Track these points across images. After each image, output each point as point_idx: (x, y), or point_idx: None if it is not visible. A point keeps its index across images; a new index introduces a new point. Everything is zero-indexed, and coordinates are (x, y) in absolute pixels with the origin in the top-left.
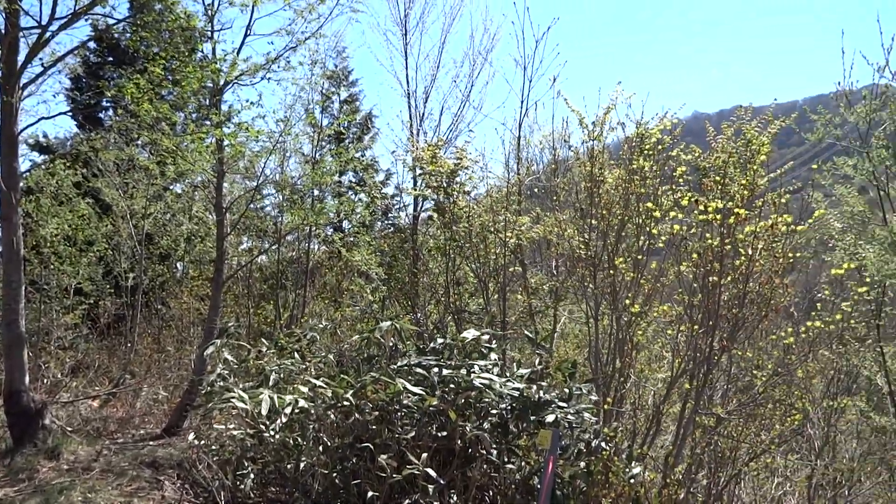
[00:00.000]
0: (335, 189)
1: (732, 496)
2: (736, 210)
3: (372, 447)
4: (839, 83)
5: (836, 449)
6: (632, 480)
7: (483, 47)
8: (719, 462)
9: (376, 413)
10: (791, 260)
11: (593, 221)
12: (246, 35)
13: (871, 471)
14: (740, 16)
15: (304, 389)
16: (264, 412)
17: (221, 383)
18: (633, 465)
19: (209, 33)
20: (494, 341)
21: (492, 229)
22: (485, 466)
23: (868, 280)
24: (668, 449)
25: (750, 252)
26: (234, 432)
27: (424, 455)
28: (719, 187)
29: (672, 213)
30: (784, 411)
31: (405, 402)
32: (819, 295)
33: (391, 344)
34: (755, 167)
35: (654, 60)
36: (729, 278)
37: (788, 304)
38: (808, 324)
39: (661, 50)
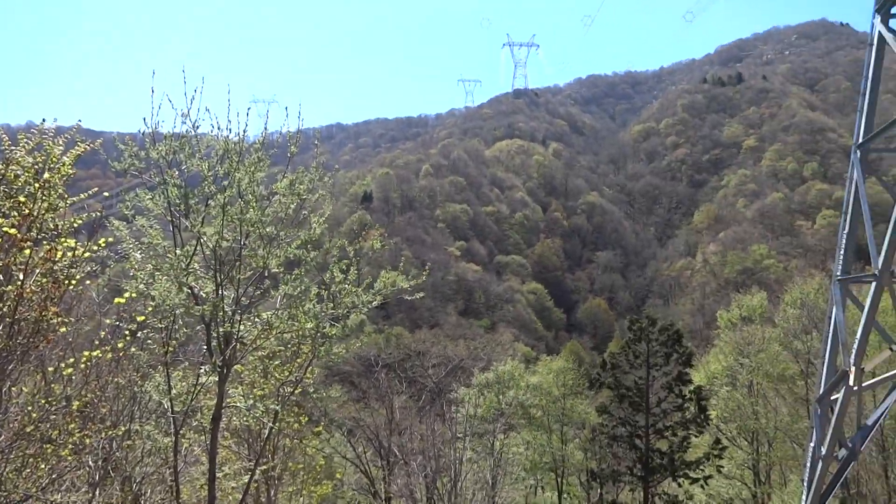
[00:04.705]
0: None
1: None
2: (6, 230)
3: None
4: (145, 120)
5: (124, 473)
6: None
7: None
8: None
9: None
10: (72, 286)
11: None
12: None
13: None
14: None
15: None
16: None
17: None
18: None
19: None
20: None
21: None
22: None
23: (151, 309)
24: None
25: (23, 277)
26: None
27: None
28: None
29: None
30: (53, 449)
31: None
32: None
33: None
34: (37, 186)
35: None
36: None
37: (71, 331)
38: (86, 353)
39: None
